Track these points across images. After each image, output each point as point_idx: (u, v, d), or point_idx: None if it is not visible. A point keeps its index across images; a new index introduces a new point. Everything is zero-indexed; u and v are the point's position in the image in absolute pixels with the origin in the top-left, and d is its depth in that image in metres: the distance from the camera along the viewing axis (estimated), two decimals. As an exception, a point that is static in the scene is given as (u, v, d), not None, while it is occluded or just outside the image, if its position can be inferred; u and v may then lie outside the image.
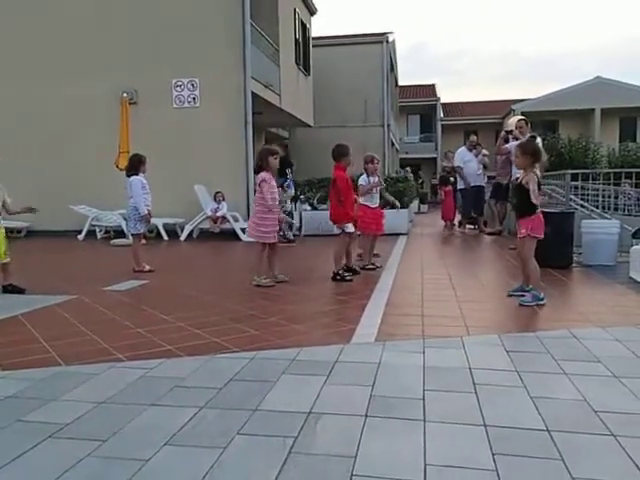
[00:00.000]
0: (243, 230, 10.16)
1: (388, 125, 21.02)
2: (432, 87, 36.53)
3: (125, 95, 10.69)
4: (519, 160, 4.57)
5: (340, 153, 5.50)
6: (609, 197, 8.14)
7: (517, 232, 4.64)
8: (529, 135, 4.41)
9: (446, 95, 55.92)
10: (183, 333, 3.61)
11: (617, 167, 19.80)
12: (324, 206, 11.72)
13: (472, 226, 11.55)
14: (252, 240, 5.70)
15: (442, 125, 35.45)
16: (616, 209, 7.58)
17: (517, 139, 7.35)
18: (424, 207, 22.42)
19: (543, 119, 28.68)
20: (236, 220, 10.75)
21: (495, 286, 5.42)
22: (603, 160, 22.60)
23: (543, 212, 7.01)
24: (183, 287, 5.42)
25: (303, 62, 16.13)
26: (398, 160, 30.18)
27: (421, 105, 34.98)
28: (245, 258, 8.29)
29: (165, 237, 10.53)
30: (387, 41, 20.49)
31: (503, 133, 7.67)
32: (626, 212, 7.56)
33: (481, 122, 35.24)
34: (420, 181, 23.32)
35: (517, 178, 4.68)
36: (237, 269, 7.14)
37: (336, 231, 5.61)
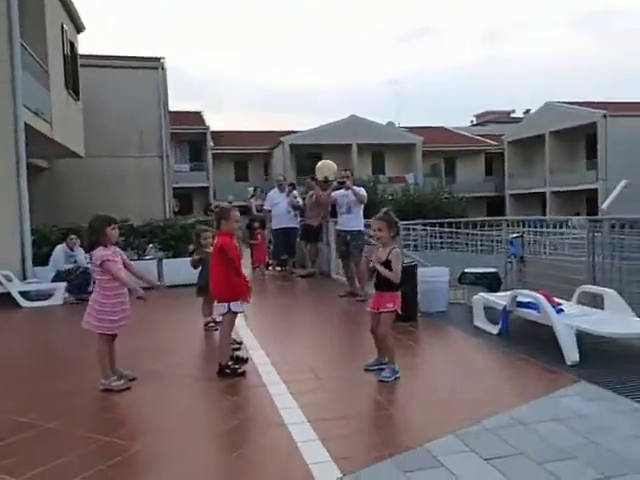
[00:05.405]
0: (22, 293, 8.25)
1: (167, 156, 19.79)
2: (199, 115, 35.99)
3: None
4: (383, 234, 4.29)
5: (219, 217, 4.58)
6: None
7: (373, 304, 4.32)
8: (385, 209, 4.33)
9: (213, 122, 55.77)
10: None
11: (402, 205, 22.18)
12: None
13: (280, 267, 11.35)
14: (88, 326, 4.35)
15: (213, 154, 35.18)
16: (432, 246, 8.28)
17: (348, 188, 7.43)
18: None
19: (308, 152, 30.62)
20: (9, 280, 8.62)
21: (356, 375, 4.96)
22: (389, 199, 24.97)
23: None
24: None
25: (73, 85, 14.11)
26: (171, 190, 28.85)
27: (190, 132, 34.09)
28: (44, 334, 6.63)
29: None
30: (163, 67, 19.34)
31: (335, 184, 7.76)
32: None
33: (251, 152, 36.11)
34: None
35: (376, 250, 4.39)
36: (45, 359, 5.52)
37: (221, 310, 4.53)
